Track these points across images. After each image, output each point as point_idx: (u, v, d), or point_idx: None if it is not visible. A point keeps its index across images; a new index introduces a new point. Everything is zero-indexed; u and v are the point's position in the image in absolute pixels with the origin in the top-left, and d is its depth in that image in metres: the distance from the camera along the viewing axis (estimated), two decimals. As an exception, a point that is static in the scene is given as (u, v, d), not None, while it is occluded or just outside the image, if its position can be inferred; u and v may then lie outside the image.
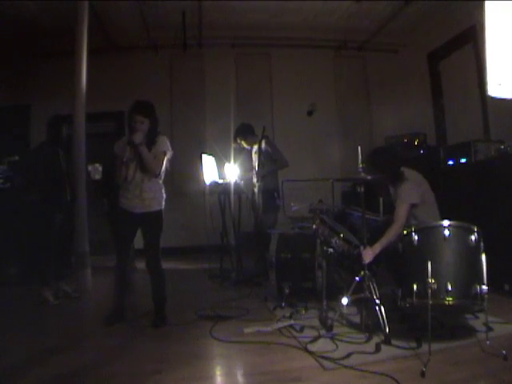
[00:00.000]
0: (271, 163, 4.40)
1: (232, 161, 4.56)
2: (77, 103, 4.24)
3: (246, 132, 4.55)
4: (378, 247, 2.78)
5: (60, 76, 5.20)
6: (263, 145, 4.29)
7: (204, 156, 4.56)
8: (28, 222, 4.23)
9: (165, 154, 2.93)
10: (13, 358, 2.39)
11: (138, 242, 5.66)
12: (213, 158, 4.72)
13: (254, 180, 4.31)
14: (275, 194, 4.46)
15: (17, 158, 5.10)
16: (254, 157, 4.49)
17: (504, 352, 2.08)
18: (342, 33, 6.75)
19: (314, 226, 3.01)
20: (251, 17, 6.21)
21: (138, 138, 2.77)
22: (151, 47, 6.75)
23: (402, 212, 2.89)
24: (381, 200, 3.98)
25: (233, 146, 4.68)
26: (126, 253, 3.01)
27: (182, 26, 6.18)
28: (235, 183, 4.39)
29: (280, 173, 4.90)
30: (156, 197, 2.97)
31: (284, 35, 6.71)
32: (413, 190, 2.95)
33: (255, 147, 4.47)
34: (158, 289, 3.06)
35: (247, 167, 4.66)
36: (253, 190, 4.43)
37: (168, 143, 2.97)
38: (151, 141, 2.88)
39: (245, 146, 4.58)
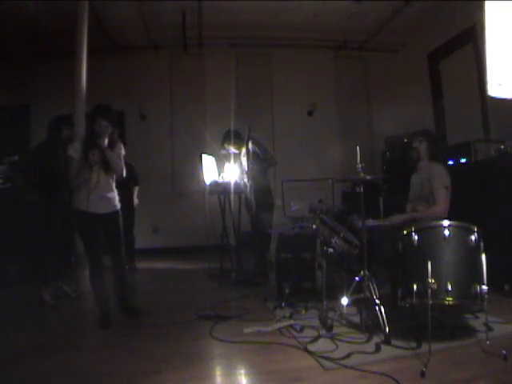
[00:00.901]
0: (260, 162, 4.42)
1: (232, 161, 4.57)
2: (77, 103, 4.25)
3: (232, 137, 4.57)
4: (407, 216, 3.06)
5: (60, 76, 5.21)
6: (250, 145, 4.31)
7: (204, 156, 4.56)
8: (28, 221, 4.22)
9: (120, 156, 3.08)
10: (9, 357, 2.39)
11: (138, 242, 5.71)
12: (213, 158, 4.73)
13: (245, 180, 4.32)
14: (267, 193, 4.48)
15: (17, 158, 5.10)
16: (243, 160, 4.53)
17: (504, 352, 2.08)
18: (341, 33, 6.75)
19: (314, 226, 3.01)
20: (251, 17, 6.21)
21: (105, 142, 2.93)
22: (151, 47, 6.76)
23: (443, 195, 3.01)
24: (381, 200, 3.97)
25: (222, 152, 4.71)
26: (99, 255, 3.03)
27: (182, 26, 6.18)
28: (235, 183, 4.39)
29: (280, 173, 4.89)
30: (116, 196, 3.12)
31: (284, 35, 6.72)
32: (447, 173, 3.11)
33: (243, 150, 4.52)
34: (124, 285, 3.18)
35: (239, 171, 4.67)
36: (245, 191, 4.44)
37: (123, 147, 3.13)
38: (112, 145, 3.01)
39: (233, 150, 4.59)
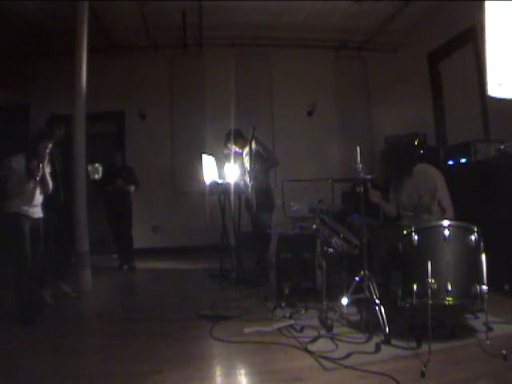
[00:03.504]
0: (262, 162, 4.42)
1: (232, 161, 4.57)
2: (77, 103, 4.25)
3: (235, 136, 4.58)
4: None
5: (60, 76, 5.21)
6: (253, 145, 4.31)
7: (204, 156, 4.56)
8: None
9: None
10: (9, 358, 2.39)
11: (138, 241, 5.72)
12: (213, 158, 4.73)
13: (247, 180, 4.33)
14: (268, 193, 4.49)
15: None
16: (245, 159, 4.53)
17: (504, 352, 2.08)
18: (342, 33, 6.74)
19: (314, 226, 3.01)
20: (251, 17, 6.20)
21: (46, 161, 3.37)
22: (151, 47, 6.75)
23: (450, 200, 3.03)
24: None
25: (224, 152, 4.71)
26: (29, 254, 3.22)
27: (182, 26, 6.18)
28: (235, 183, 4.40)
29: (280, 173, 4.88)
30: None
31: (284, 35, 6.71)
32: (440, 173, 3.13)
33: (245, 150, 4.53)
34: (43, 277, 3.54)
35: (240, 170, 4.68)
36: (246, 191, 4.45)
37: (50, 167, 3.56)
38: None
39: (236, 149, 4.59)
